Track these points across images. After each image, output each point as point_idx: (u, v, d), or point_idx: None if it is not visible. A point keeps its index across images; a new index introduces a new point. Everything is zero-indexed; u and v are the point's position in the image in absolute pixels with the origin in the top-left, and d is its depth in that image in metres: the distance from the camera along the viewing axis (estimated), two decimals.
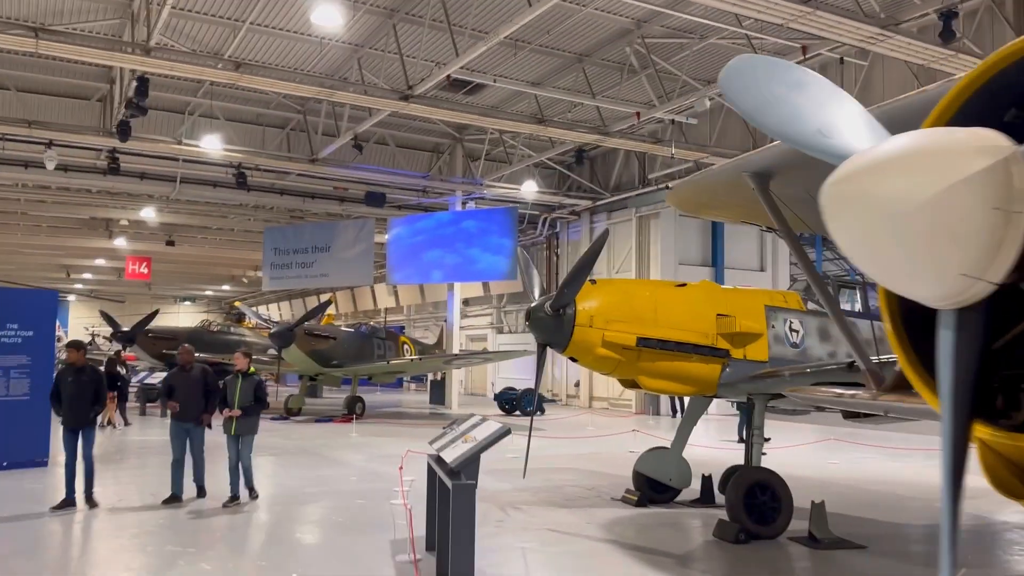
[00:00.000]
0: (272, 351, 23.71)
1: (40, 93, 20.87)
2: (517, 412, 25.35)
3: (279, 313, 59.08)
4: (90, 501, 9.71)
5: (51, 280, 48.18)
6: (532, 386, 28.14)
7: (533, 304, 8.81)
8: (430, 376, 32.62)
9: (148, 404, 24.12)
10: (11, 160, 22.59)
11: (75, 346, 10.09)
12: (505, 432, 6.06)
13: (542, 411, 25.46)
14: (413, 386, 42.88)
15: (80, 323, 54.52)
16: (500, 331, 37.80)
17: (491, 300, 38.20)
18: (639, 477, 10.29)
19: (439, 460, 6.76)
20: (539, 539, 8.37)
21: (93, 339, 43.29)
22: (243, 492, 10.05)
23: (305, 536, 8.85)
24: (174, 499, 9.96)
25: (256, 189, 25.80)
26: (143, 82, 16.23)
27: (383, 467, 13.77)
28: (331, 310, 40.50)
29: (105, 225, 34.01)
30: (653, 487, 10.26)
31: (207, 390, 10.13)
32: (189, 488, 10.16)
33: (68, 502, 9.63)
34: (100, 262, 44.56)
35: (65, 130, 20.37)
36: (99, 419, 19.44)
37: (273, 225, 31.14)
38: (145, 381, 25.78)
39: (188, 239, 36.82)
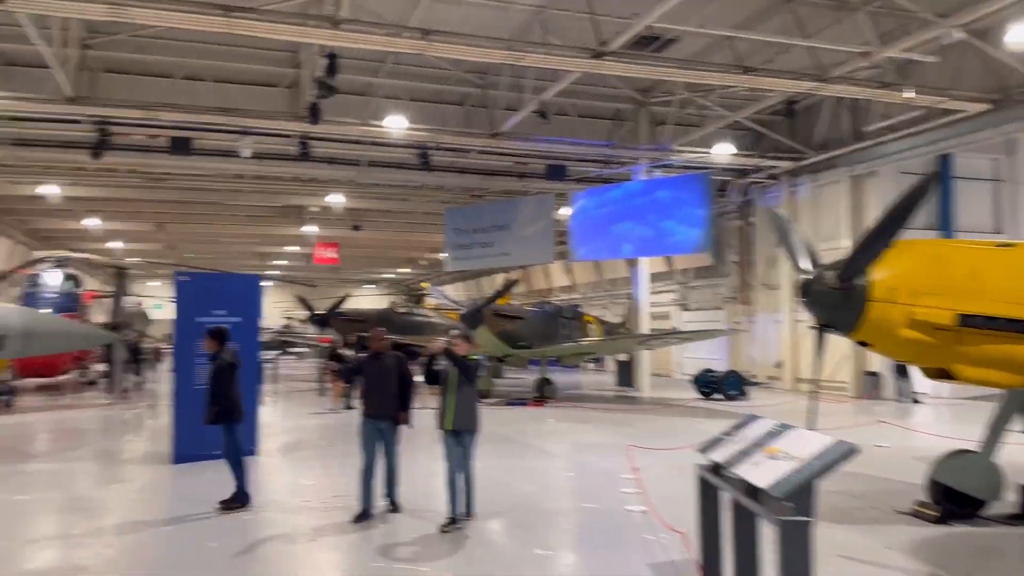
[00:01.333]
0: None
1: (233, 82, 21.23)
2: (717, 396, 23.41)
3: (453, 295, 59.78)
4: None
5: (248, 268, 51.09)
6: (731, 368, 26.11)
7: (808, 275, 7.07)
8: (613, 356, 31.21)
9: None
10: (209, 150, 23.25)
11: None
12: (850, 451, 4.44)
13: (744, 395, 23.40)
14: (590, 366, 41.60)
15: (276, 308, 57.75)
16: (685, 308, 35.66)
17: (673, 275, 36.10)
18: (937, 487, 8.29)
19: (731, 478, 5.27)
20: (840, 571, 6.68)
21: (288, 323, 45.38)
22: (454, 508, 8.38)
23: (557, 556, 7.58)
24: (364, 517, 8.52)
25: (437, 169, 25.30)
26: (332, 59, 15.78)
27: (594, 459, 12.54)
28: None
29: (297, 212, 35.08)
30: (952, 499, 8.25)
31: (403, 382, 8.69)
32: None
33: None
34: (292, 248, 46.49)
35: (259, 116, 20.59)
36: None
37: (452, 206, 30.76)
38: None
39: (372, 223, 37.41)
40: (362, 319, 27.09)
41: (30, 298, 25.78)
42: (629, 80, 22.00)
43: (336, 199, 30.79)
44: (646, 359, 27.26)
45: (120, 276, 29.28)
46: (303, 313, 33.13)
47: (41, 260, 28.68)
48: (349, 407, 19.37)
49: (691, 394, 24.13)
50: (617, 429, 16.46)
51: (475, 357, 8.55)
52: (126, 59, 19.98)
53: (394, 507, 8.90)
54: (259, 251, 49.44)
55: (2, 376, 21.10)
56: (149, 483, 11.10)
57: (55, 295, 26.32)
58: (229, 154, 23.59)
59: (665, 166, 25.78)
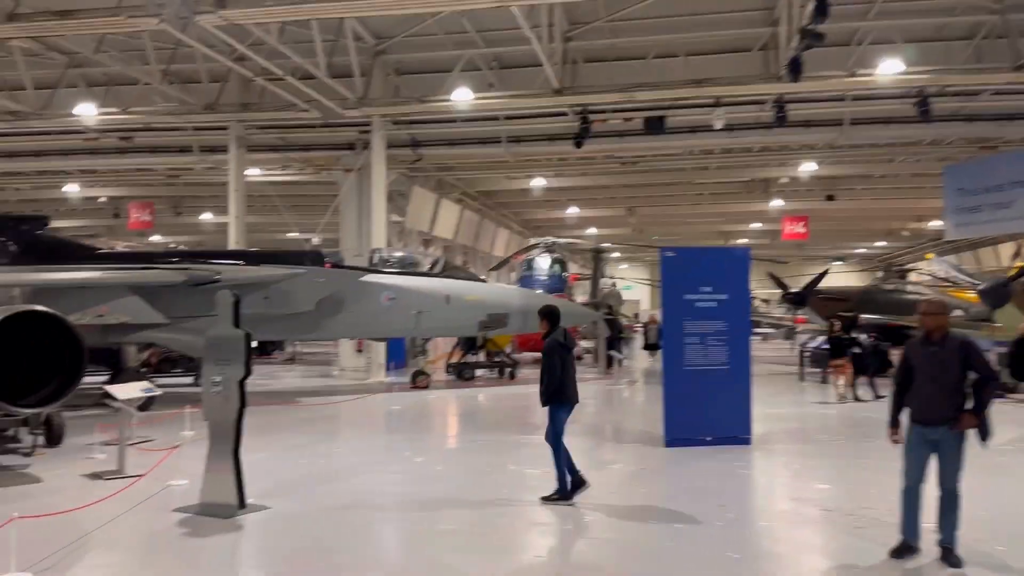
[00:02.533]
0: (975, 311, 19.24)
1: (703, 54, 20.46)
2: None
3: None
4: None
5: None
6: None
7: None
8: None
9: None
10: (681, 128, 22.93)
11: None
12: None
13: None
14: None
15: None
16: None
17: None
18: None
19: None
20: None
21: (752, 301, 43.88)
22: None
23: None
24: (905, 551, 6.52)
25: (938, 119, 21.40)
26: (822, 2, 13.89)
27: None
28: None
29: (763, 186, 33.48)
30: None
31: (981, 376, 6.42)
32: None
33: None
34: (755, 225, 44.94)
35: (732, 83, 19.51)
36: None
37: (951, 163, 26.05)
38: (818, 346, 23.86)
39: (846, 191, 33.98)
40: (843, 297, 24.41)
41: (525, 280, 28.65)
42: None
43: (807, 168, 28.39)
44: None
45: (597, 259, 31.02)
46: (770, 292, 31.46)
47: (533, 246, 31.77)
48: (857, 398, 17.07)
49: None
50: None
51: None
52: (602, 46, 20.52)
53: (949, 556, 6.45)
54: (722, 230, 48.83)
55: (506, 349, 23.61)
56: (643, 469, 10.71)
57: (545, 277, 28.83)
58: (699, 129, 23.02)
59: None
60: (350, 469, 10.42)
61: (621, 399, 19.08)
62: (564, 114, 22.15)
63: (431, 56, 21.32)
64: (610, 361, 22.91)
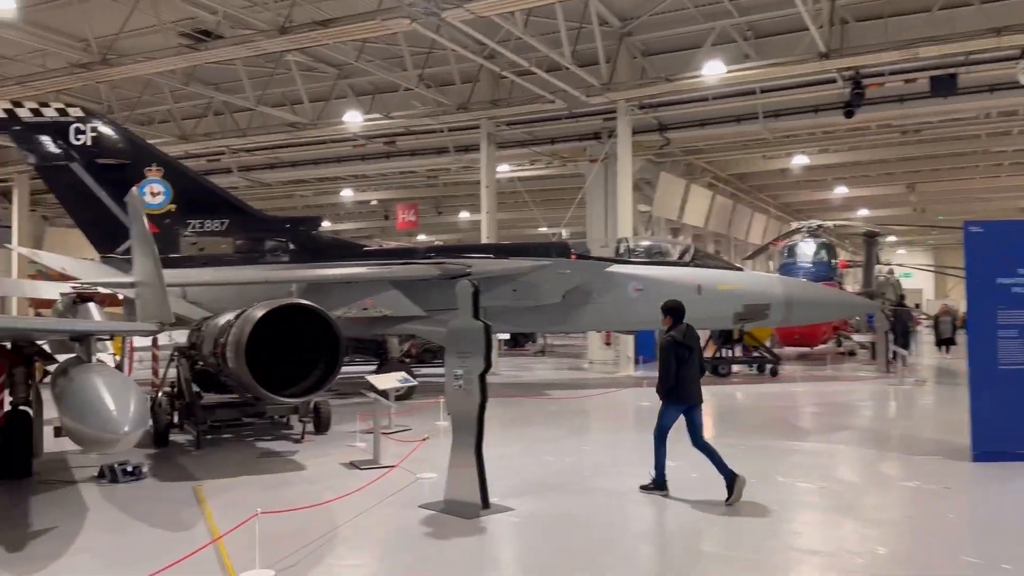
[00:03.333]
0: None
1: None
2: None
3: None
4: None
5: None
6: None
7: None
8: None
9: None
10: (975, 86, 19.67)
11: None
12: None
13: None
14: None
15: None
16: None
17: None
18: None
19: None
20: None
21: None
22: None
23: None
24: None
25: None
26: None
27: None
28: None
29: None
30: None
31: None
32: None
33: None
34: None
35: None
36: None
37: None
38: None
39: None
40: None
41: (787, 268, 26.38)
42: None
43: None
44: None
45: (870, 243, 27.82)
46: None
47: (795, 231, 29.26)
48: None
49: None
50: None
51: None
52: (877, 2, 18.12)
53: None
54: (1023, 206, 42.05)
55: (766, 344, 21.79)
56: (944, 488, 8.91)
57: (810, 264, 26.37)
58: (999, 87, 19.68)
59: None
60: (598, 468, 9.79)
61: (909, 402, 16.65)
62: (832, 81, 19.93)
63: (679, 33, 20.22)
64: (893, 357, 20.22)
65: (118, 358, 17.43)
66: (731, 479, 7.91)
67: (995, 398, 9.60)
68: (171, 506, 7.93)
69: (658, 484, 8.36)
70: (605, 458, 10.52)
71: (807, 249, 27.23)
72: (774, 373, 20.58)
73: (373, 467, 9.42)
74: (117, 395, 6.59)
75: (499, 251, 18.68)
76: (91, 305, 17.53)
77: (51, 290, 21.00)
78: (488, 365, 7.37)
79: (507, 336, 27.21)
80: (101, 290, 17.49)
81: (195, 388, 11.84)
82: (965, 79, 19.08)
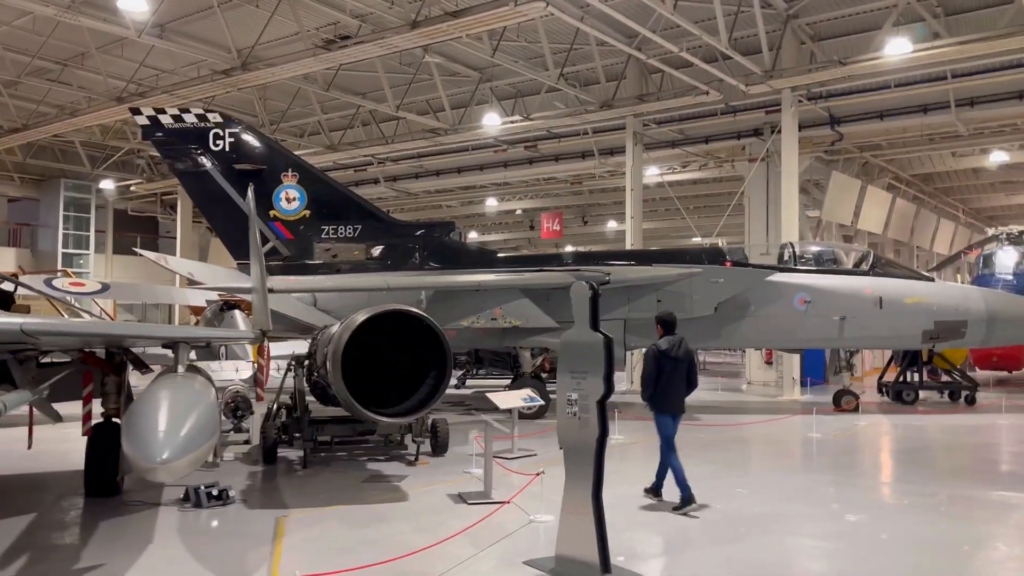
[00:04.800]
0: None
1: None
2: None
3: None
4: None
5: None
6: None
7: None
8: None
9: None
10: None
11: None
12: None
13: None
14: None
15: None
16: None
17: None
18: None
19: None
20: None
21: None
22: None
23: None
24: None
25: None
26: None
27: None
28: None
29: None
30: None
31: None
32: None
33: None
34: None
35: None
36: None
37: None
38: None
39: None
40: None
41: (982, 280, 22.80)
42: None
43: None
44: None
45: None
46: None
47: (992, 238, 25.42)
48: None
49: None
50: None
51: None
52: None
53: None
54: None
55: (960, 368, 18.69)
56: None
57: (1011, 276, 22.66)
58: None
59: None
60: (757, 521, 7.91)
61: None
62: None
63: (854, 13, 17.77)
64: None
65: (255, 365, 17.22)
66: (689, 500, 8.04)
67: None
68: (241, 543, 6.91)
69: (685, 499, 8.08)
70: (765, 506, 8.58)
71: (1007, 259, 23.46)
72: (971, 402, 17.54)
73: (482, 502, 8.06)
74: (171, 415, 5.59)
75: (644, 258, 16.97)
76: (236, 313, 17.46)
77: (199, 297, 21.33)
78: (609, 389, 5.81)
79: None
80: (243, 297, 17.36)
81: (309, 401, 11.02)
82: None
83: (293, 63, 17.22)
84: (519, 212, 38.97)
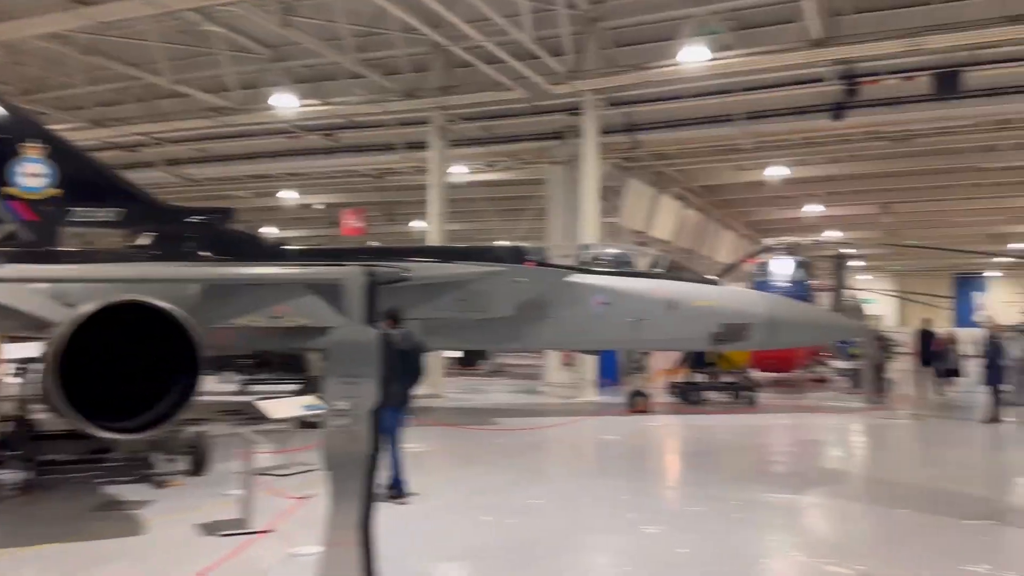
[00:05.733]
0: None
1: None
2: None
3: None
4: None
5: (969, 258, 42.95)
6: None
7: None
8: None
9: None
10: (976, 89, 17.74)
11: None
12: None
13: None
14: None
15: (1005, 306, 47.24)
16: None
17: None
18: None
19: None
20: None
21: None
22: None
23: None
24: None
25: None
26: None
27: None
28: None
29: None
30: None
31: None
32: None
33: None
34: None
35: None
36: None
37: None
38: None
39: None
40: None
41: (760, 287, 24.25)
42: None
43: None
44: None
45: (839, 266, 25.90)
46: None
47: (768, 248, 27.25)
48: None
49: None
50: None
51: None
52: None
53: None
54: (997, 232, 40.72)
55: (742, 370, 19.57)
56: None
57: (785, 284, 24.29)
58: (1000, 91, 17.80)
59: None
60: (552, 538, 7.24)
61: (925, 441, 14.44)
62: (819, 80, 17.93)
63: (654, 20, 18.03)
64: (880, 388, 18.19)
65: None
66: (401, 492, 8.11)
67: None
68: None
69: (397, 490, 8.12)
70: (561, 520, 7.95)
71: (782, 268, 25.19)
72: (751, 402, 18.35)
73: (236, 532, 6.76)
74: None
75: (445, 255, 16.14)
76: None
77: None
78: (384, 398, 4.81)
79: (460, 354, 24.66)
80: None
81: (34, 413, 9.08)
82: (971, 80, 17.18)
83: (40, 17, 14.72)
84: (318, 207, 36.93)
